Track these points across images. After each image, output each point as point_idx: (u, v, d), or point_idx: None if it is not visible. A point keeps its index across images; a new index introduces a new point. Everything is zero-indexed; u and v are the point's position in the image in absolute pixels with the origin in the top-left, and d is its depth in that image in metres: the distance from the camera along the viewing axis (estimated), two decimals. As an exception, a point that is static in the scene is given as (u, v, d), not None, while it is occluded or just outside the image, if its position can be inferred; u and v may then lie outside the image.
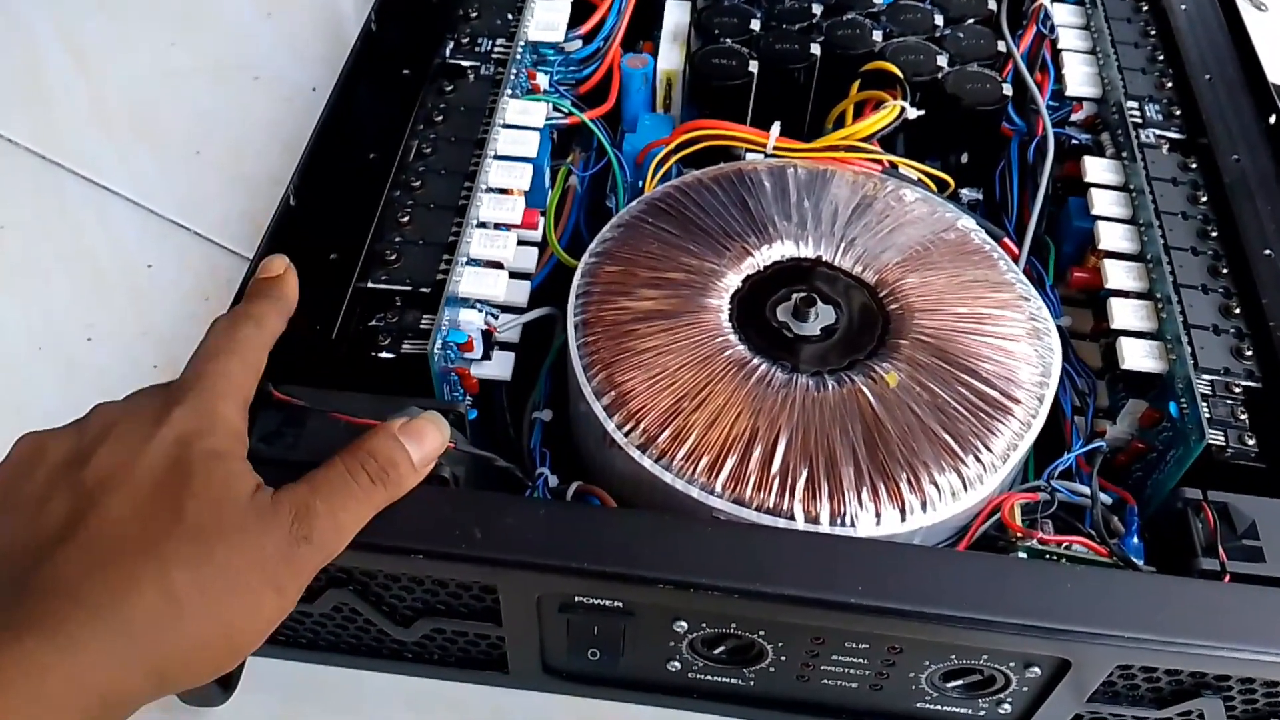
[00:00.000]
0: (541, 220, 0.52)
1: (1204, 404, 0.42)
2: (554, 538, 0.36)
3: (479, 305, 0.46)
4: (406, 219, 0.46)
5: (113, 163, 0.62)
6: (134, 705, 0.31)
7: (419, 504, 0.36)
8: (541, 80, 0.57)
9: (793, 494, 0.40)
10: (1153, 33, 0.58)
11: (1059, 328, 0.49)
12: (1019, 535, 0.40)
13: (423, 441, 0.36)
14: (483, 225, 0.48)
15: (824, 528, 0.39)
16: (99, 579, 0.30)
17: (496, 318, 0.48)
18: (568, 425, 0.47)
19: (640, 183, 0.55)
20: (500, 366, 0.48)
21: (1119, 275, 0.48)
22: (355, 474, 0.35)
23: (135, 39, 0.69)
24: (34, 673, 0.28)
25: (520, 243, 0.50)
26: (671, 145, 0.54)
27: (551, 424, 0.47)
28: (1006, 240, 0.52)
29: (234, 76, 0.67)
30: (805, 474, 0.40)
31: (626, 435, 0.41)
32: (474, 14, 0.56)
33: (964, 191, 0.57)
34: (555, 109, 0.56)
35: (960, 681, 0.40)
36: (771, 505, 0.40)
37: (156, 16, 0.71)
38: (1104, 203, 0.51)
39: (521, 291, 0.50)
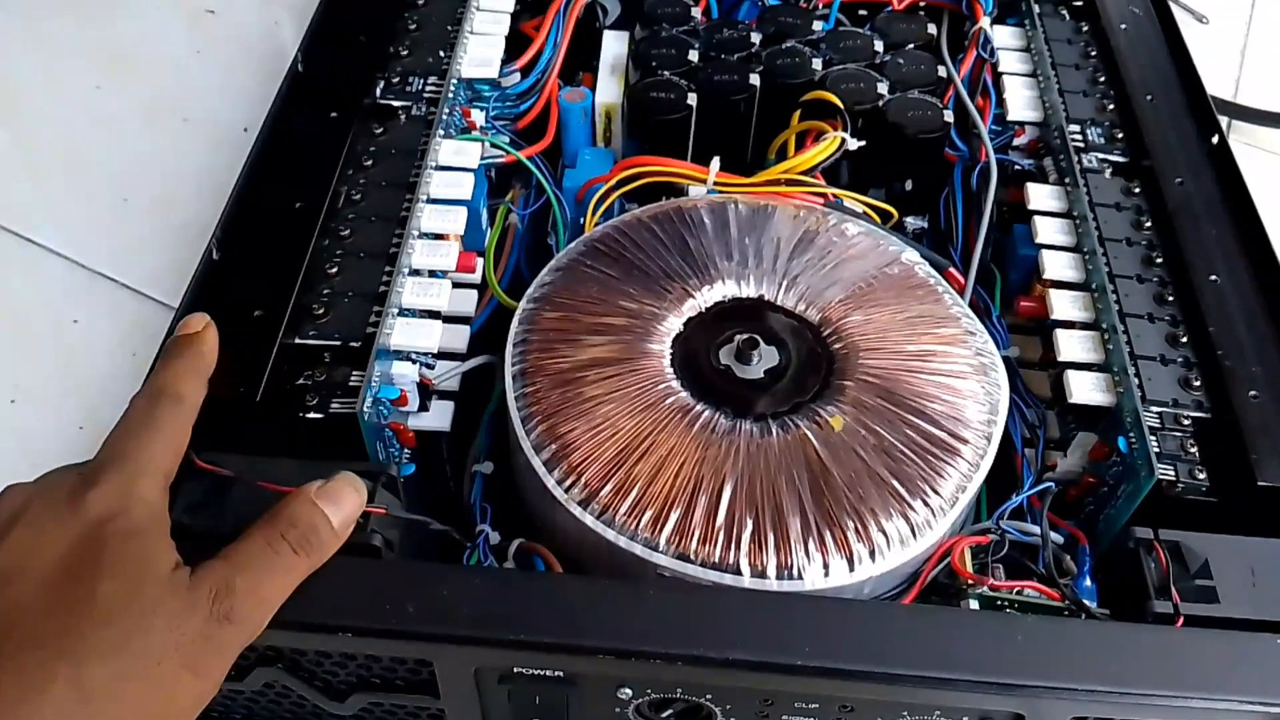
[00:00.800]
0: (480, 262, 0.51)
1: (1153, 438, 0.42)
2: (489, 609, 0.34)
3: (413, 356, 0.45)
4: (335, 270, 0.45)
5: (37, 212, 0.60)
6: None
7: (348, 577, 0.35)
8: (477, 117, 0.56)
9: (738, 547, 0.39)
10: (1093, 54, 0.58)
11: (1007, 359, 0.49)
12: (970, 582, 0.39)
13: (341, 504, 0.35)
14: (415, 273, 0.47)
15: (771, 581, 0.38)
16: (8, 676, 0.28)
17: (432, 368, 0.46)
18: (510, 476, 0.45)
19: (581, 219, 0.54)
20: (439, 417, 0.46)
21: (1064, 305, 0.47)
22: (276, 545, 0.33)
23: (61, 82, 0.68)
24: None
25: (459, 285, 0.49)
26: (611, 182, 0.53)
27: (494, 475, 0.46)
28: (952, 270, 0.52)
29: (164, 119, 0.66)
30: (751, 525, 0.39)
31: (568, 490, 0.40)
32: (405, 52, 0.55)
33: (909, 220, 0.56)
34: (492, 147, 0.54)
35: (915, 735, 0.39)
36: (717, 559, 0.38)
37: (84, 58, 0.69)
38: (1048, 231, 0.50)
39: (460, 337, 0.48)
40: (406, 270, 0.46)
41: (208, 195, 0.61)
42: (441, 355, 0.47)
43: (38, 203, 0.61)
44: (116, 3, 0.72)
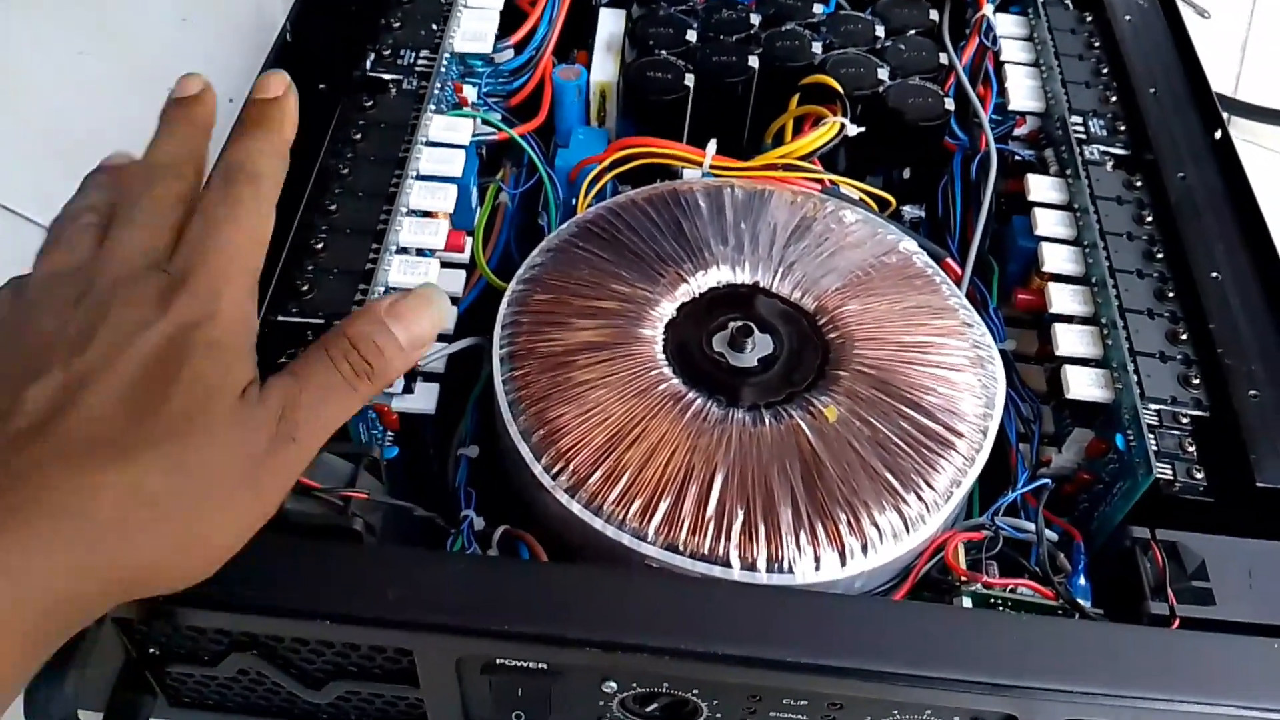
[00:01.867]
0: (469, 241, 0.50)
1: (1151, 436, 0.41)
2: (471, 598, 0.33)
3: (399, 337, 0.44)
4: (321, 245, 0.44)
5: (19, 182, 0.58)
6: (92, 614, 0.29)
7: (327, 561, 0.34)
8: (469, 93, 0.55)
9: (728, 538, 0.38)
10: (1097, 45, 0.57)
11: (1003, 352, 0.48)
12: (963, 579, 0.39)
13: (410, 322, 0.34)
14: (403, 251, 0.46)
15: (761, 574, 0.37)
16: (68, 478, 0.28)
17: (418, 349, 0.45)
18: (495, 461, 0.44)
19: (574, 200, 0.53)
20: (424, 399, 0.45)
21: (1063, 299, 0.47)
22: (338, 364, 0.33)
23: (45, 46, 0.66)
24: None
25: (446, 265, 0.48)
26: (605, 163, 0.52)
27: (479, 459, 0.45)
28: (949, 260, 0.51)
29: (149, 87, 0.63)
30: (741, 517, 0.38)
31: (555, 477, 0.39)
32: (396, 24, 0.53)
33: (906, 208, 0.56)
34: (484, 124, 0.53)
35: (904, 734, 0.38)
36: (706, 551, 0.38)
37: (68, 22, 0.67)
38: (1048, 223, 0.49)
39: (449, 316, 0.47)
40: (394, 248, 0.45)
41: (193, 167, 0.60)
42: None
43: (19, 171, 0.59)
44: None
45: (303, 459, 0.32)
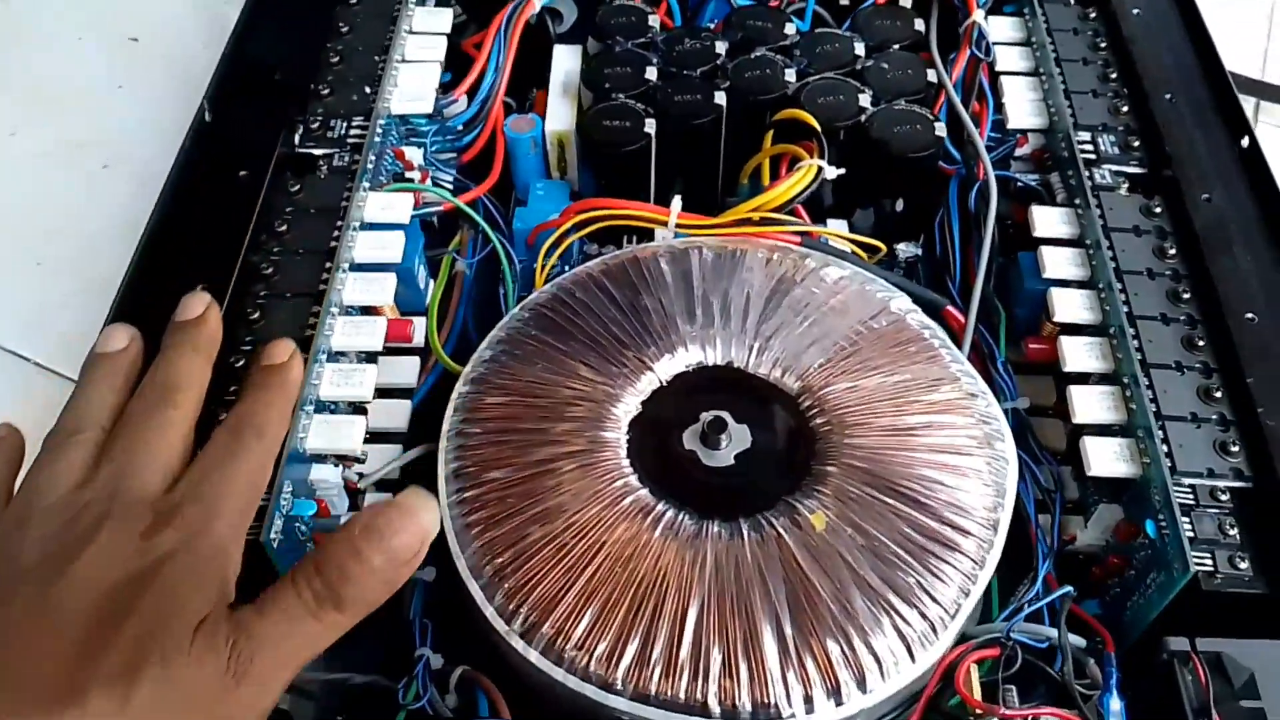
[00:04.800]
0: (419, 324, 0.46)
1: (1185, 520, 0.36)
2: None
3: (333, 460, 0.40)
4: (241, 363, 0.39)
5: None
6: None
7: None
8: (413, 156, 0.50)
9: (706, 680, 0.33)
10: (1103, 45, 0.51)
11: (1016, 411, 0.43)
12: (979, 712, 0.34)
13: (388, 538, 0.30)
14: (337, 357, 0.41)
15: (745, 722, 0.33)
16: (28, 694, 0.26)
17: (363, 460, 0.41)
18: (451, 582, 0.40)
19: (535, 264, 0.48)
20: (374, 515, 0.41)
21: (1078, 355, 0.41)
22: (301, 592, 0.29)
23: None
24: None
25: (396, 353, 0.44)
26: (563, 229, 0.47)
27: (437, 581, 0.41)
28: (950, 309, 0.46)
29: (82, 165, 0.60)
30: (720, 655, 0.34)
31: (509, 620, 0.35)
32: (326, 91, 0.49)
33: (901, 247, 0.50)
34: (431, 190, 0.49)
35: None
36: (683, 697, 0.33)
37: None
38: (1057, 263, 0.44)
39: (401, 414, 0.43)
40: (324, 356, 0.40)
41: (127, 255, 0.56)
42: (378, 437, 0.42)
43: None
44: (32, 31, 0.66)
45: (263, 700, 0.29)
